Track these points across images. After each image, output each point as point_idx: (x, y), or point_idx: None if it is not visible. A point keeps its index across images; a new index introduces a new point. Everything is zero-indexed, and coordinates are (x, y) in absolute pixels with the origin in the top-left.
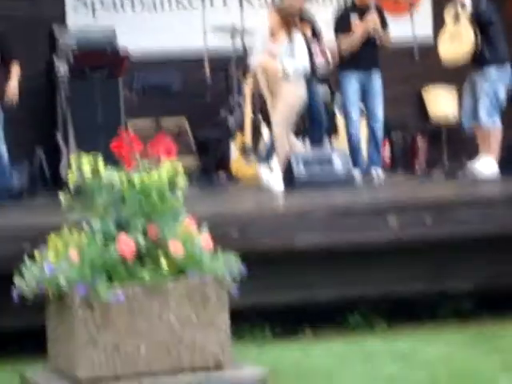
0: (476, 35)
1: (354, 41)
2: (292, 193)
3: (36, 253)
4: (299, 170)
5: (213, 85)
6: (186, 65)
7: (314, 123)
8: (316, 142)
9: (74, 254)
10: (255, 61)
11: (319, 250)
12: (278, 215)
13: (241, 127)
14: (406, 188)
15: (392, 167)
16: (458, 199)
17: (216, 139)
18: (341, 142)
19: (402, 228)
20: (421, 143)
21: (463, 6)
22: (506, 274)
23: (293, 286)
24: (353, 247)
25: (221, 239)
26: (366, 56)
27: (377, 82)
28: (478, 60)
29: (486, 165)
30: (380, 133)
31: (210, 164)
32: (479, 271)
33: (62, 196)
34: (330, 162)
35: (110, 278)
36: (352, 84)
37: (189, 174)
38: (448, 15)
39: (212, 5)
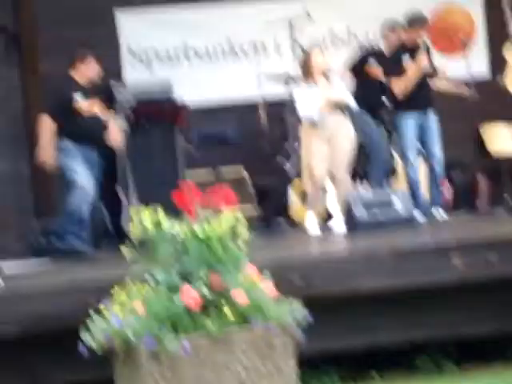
0: None
1: (409, 82)
2: (353, 235)
3: (101, 306)
4: (360, 211)
5: (269, 132)
6: (242, 113)
7: (373, 164)
8: (376, 183)
9: (139, 306)
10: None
11: (384, 293)
12: (341, 259)
13: (298, 173)
14: (468, 227)
15: (453, 206)
16: None
17: (274, 186)
18: (400, 182)
19: (467, 267)
20: (481, 181)
21: None
22: None
23: (358, 331)
24: (417, 288)
25: (284, 286)
26: (420, 96)
27: (433, 121)
28: None
29: None
30: (439, 172)
31: (270, 211)
32: None
33: (124, 249)
34: (390, 203)
35: (175, 330)
36: (409, 125)
37: (249, 222)
38: (508, 52)
39: (265, 52)
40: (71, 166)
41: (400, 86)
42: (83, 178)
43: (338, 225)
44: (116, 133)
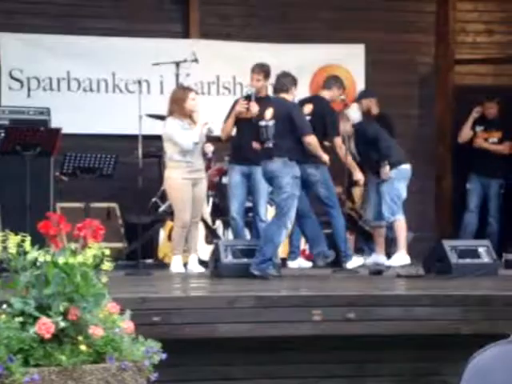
0: None
1: None
2: (220, 279)
3: None
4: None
5: (145, 170)
6: (119, 149)
7: None
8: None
9: None
10: None
11: (243, 339)
12: (202, 301)
13: (171, 213)
14: None
15: None
16: None
17: (146, 225)
18: None
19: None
20: None
21: None
22: None
23: (215, 374)
24: (277, 338)
25: (144, 325)
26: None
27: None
28: None
29: None
30: None
31: (138, 249)
32: None
33: None
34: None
35: (27, 362)
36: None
37: (116, 259)
38: None
39: (149, 92)
40: None
41: None
42: None
43: (194, 265)
44: None
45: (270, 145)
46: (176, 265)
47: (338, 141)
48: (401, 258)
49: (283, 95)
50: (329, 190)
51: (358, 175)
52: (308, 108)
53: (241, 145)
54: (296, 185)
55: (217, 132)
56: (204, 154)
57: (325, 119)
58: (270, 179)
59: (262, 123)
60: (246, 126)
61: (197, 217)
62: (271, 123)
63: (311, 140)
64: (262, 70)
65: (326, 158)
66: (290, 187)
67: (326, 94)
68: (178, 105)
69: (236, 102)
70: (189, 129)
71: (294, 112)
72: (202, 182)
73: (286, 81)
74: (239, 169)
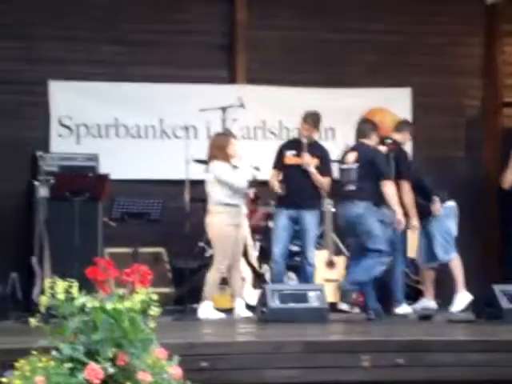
0: None
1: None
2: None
3: (3, 380)
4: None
5: (192, 214)
6: (166, 193)
7: None
8: None
9: (40, 380)
10: None
11: None
12: (250, 347)
13: None
14: None
15: None
16: None
17: (192, 269)
18: None
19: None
20: None
21: None
22: None
23: None
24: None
25: (192, 371)
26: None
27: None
28: None
29: None
30: None
31: (186, 294)
32: None
33: (32, 320)
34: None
35: None
36: None
37: (163, 303)
38: None
39: (196, 137)
40: None
41: None
42: None
43: (242, 310)
44: None
45: (352, 187)
46: (205, 310)
47: (406, 185)
48: (462, 298)
49: (364, 140)
50: (396, 235)
51: (415, 221)
52: (352, 156)
53: (289, 188)
54: (381, 227)
55: (262, 176)
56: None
57: (374, 164)
58: (353, 223)
59: (345, 166)
60: (293, 171)
61: (238, 260)
62: (355, 166)
63: (388, 189)
64: (312, 119)
65: (398, 213)
66: (377, 229)
67: (398, 137)
68: (221, 150)
69: (282, 149)
70: (235, 171)
71: (377, 157)
72: (243, 226)
73: (365, 127)
74: (287, 213)
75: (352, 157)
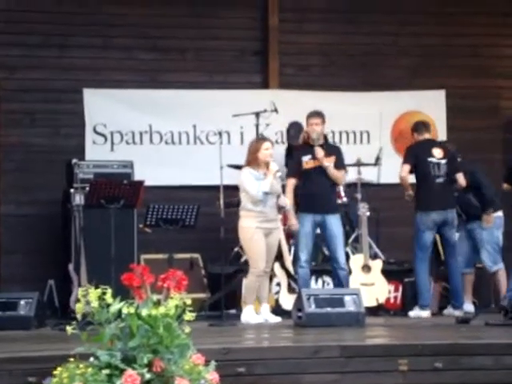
0: None
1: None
2: (301, 329)
3: None
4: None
5: (227, 220)
6: (201, 199)
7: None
8: None
9: None
10: None
11: None
12: (286, 351)
13: None
14: None
15: None
16: None
17: (228, 274)
18: None
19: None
20: None
21: None
22: None
23: None
24: None
25: (230, 376)
26: None
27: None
28: None
29: None
30: None
31: (221, 299)
32: None
33: (69, 328)
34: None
35: None
36: None
37: (199, 309)
38: None
39: (229, 142)
40: None
41: None
42: None
43: (268, 315)
44: None
45: (441, 180)
46: (248, 315)
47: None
48: None
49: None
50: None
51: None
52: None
53: (312, 193)
54: None
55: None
56: (280, 208)
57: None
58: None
59: (433, 160)
60: (313, 174)
61: (269, 267)
62: (443, 162)
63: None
64: (322, 115)
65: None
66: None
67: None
68: (253, 155)
69: (298, 156)
70: (263, 179)
71: (456, 155)
72: (275, 233)
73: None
74: (312, 217)
75: (438, 152)
